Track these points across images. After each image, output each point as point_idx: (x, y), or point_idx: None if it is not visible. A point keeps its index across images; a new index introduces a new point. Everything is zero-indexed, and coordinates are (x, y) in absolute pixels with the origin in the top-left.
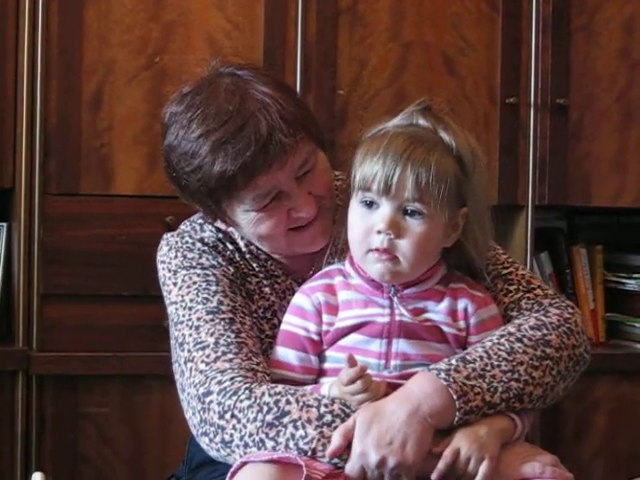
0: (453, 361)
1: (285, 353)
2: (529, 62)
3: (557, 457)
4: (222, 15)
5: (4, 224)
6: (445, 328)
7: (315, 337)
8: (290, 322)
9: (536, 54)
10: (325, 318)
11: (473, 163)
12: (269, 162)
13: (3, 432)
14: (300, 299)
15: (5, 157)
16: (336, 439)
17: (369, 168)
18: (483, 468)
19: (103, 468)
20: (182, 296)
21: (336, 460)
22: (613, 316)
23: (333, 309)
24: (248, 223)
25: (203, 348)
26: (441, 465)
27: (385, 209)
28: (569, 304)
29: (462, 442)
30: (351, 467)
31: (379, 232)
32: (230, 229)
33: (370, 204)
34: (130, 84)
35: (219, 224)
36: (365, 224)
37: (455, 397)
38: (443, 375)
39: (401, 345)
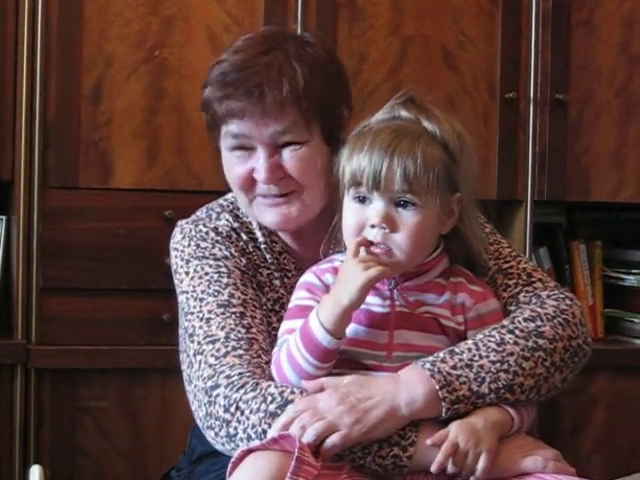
0: (441, 354)
1: (294, 324)
2: (529, 57)
3: (559, 452)
4: (222, 9)
5: (3, 217)
6: (444, 321)
7: None
8: (299, 297)
9: (536, 49)
10: None
11: (460, 148)
12: (243, 109)
13: (1, 425)
14: (309, 277)
15: (4, 150)
16: (311, 384)
17: (357, 165)
18: (482, 462)
19: (102, 462)
20: (193, 287)
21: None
22: (612, 312)
23: None
24: (225, 163)
25: (213, 342)
26: (441, 457)
27: (378, 204)
28: (568, 296)
29: (460, 436)
30: (303, 404)
31: (373, 226)
32: (250, 219)
33: (363, 199)
34: (129, 78)
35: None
36: (359, 219)
37: (437, 387)
38: (428, 365)
39: (402, 336)
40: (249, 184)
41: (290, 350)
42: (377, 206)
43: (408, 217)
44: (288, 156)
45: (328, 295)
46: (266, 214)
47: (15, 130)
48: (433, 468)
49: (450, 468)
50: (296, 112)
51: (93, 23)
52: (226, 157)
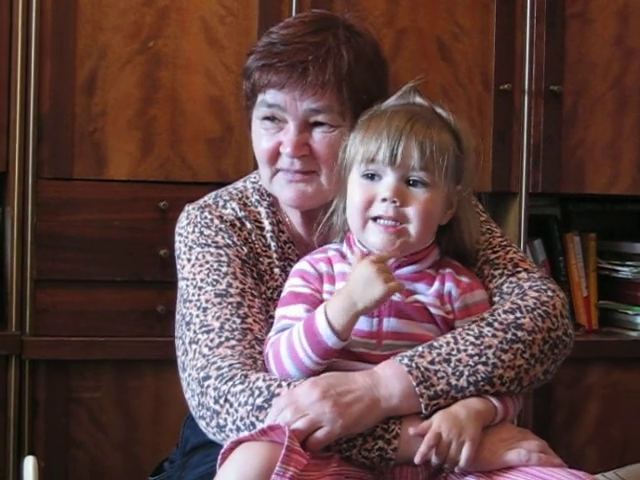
0: (420, 347)
1: (289, 311)
2: (523, 49)
3: (545, 442)
4: (216, 0)
5: None
6: (433, 310)
7: (318, 296)
8: (294, 284)
9: (530, 41)
10: (325, 287)
11: (468, 141)
12: (283, 81)
13: None
14: (303, 265)
15: None
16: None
17: (373, 141)
18: (465, 451)
19: (95, 453)
20: (194, 274)
21: None
22: (606, 303)
23: (331, 279)
24: (254, 133)
25: (208, 332)
26: (423, 447)
27: (389, 178)
28: (551, 287)
29: (443, 426)
30: (284, 401)
31: (384, 200)
32: (258, 209)
33: (372, 176)
34: (124, 69)
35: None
36: (367, 194)
37: (415, 383)
38: (406, 361)
39: (392, 324)
40: (274, 157)
41: (292, 342)
42: (389, 181)
43: (419, 194)
44: (319, 137)
45: (339, 296)
46: (285, 189)
47: (9, 121)
48: (416, 459)
49: (434, 459)
50: (334, 96)
51: (87, 14)
52: (255, 128)
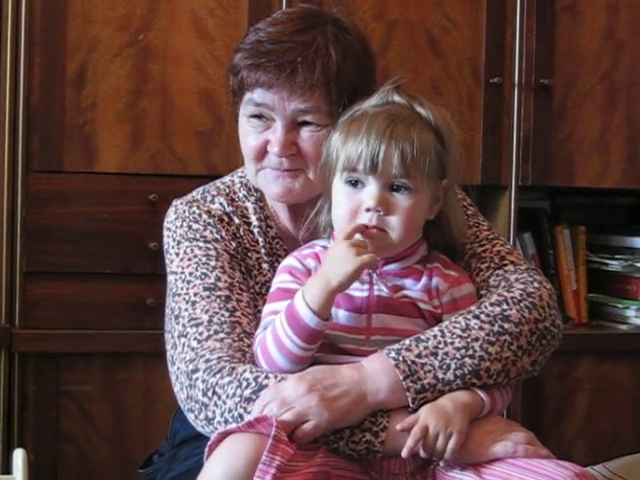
0: (407, 341)
1: (278, 306)
2: (513, 42)
3: (533, 434)
4: None
5: None
6: (421, 305)
7: None
8: (282, 280)
9: (520, 34)
10: None
11: (450, 135)
12: (271, 81)
13: None
14: (291, 261)
15: None
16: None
17: (353, 148)
18: (451, 444)
19: (85, 445)
20: (182, 268)
21: None
22: (595, 297)
23: None
24: (241, 129)
25: (197, 325)
26: (410, 442)
27: (372, 187)
28: (537, 278)
29: (430, 419)
30: (269, 395)
31: (368, 210)
32: (246, 204)
33: (355, 183)
34: (114, 61)
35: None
36: (352, 202)
37: (401, 377)
38: (393, 354)
39: (380, 320)
40: (261, 155)
41: (276, 331)
42: (372, 189)
43: (403, 201)
44: (307, 136)
45: (314, 277)
46: (271, 185)
47: None
48: (403, 453)
49: (422, 453)
50: (322, 96)
51: (77, 6)
52: (242, 125)
